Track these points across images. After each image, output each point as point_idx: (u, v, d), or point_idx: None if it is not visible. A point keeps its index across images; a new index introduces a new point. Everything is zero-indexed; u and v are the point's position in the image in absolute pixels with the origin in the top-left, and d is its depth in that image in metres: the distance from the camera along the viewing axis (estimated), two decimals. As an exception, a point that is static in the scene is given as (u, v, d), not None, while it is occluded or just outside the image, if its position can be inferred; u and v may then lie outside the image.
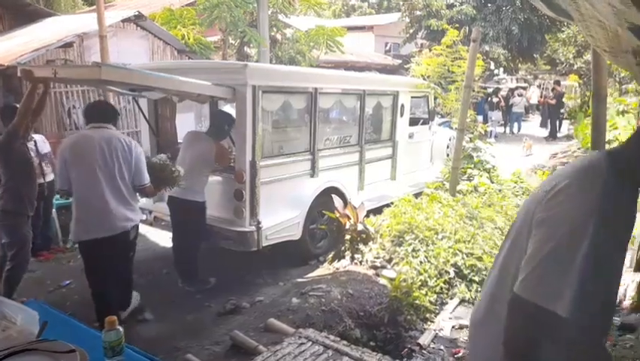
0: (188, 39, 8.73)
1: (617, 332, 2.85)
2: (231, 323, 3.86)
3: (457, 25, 13.90)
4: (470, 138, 7.23)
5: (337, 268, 4.81)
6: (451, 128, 8.31)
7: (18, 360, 1.40)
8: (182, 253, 4.55)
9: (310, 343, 3.06)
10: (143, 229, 5.94)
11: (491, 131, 14.33)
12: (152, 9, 9.77)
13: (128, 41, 7.69)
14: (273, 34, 10.42)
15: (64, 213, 5.92)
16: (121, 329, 1.53)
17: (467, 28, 13.26)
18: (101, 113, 3.50)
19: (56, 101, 6.79)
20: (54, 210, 5.58)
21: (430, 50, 7.85)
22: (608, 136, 9.46)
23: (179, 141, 5.57)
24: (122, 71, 3.71)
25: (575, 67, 18.38)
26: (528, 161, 11.03)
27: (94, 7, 7.88)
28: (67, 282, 4.77)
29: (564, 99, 16.99)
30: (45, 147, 5.08)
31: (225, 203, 4.55)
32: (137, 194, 3.59)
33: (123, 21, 7.51)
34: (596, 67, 3.17)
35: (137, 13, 7.47)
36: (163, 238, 5.69)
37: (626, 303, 3.19)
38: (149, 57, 8.00)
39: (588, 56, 17.57)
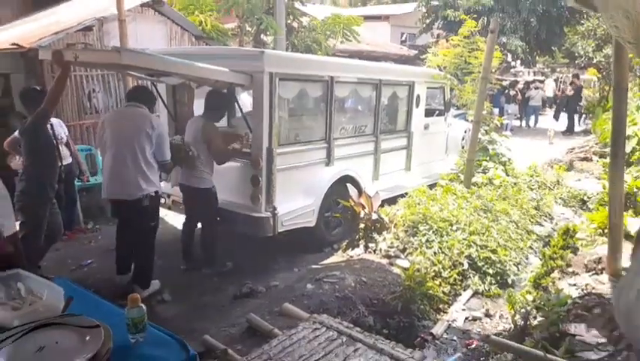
0: (206, 25, 8.73)
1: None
2: (247, 306, 3.93)
3: (474, 15, 13.73)
4: (486, 131, 7.17)
5: (351, 256, 4.84)
6: (467, 120, 8.25)
7: (45, 333, 1.44)
8: (190, 238, 4.68)
9: (324, 328, 3.10)
10: (161, 212, 6.05)
11: (507, 124, 14.17)
12: (169, -5, 9.77)
13: (147, 26, 7.72)
14: (289, 22, 10.37)
15: (84, 196, 6.06)
16: (144, 306, 1.57)
17: (485, 19, 13.09)
18: (136, 96, 4.07)
19: (76, 85, 6.85)
20: (77, 192, 5.69)
21: (447, 41, 7.76)
22: (628, 131, 9.33)
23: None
24: (141, 56, 3.75)
25: (595, 61, 17.98)
26: (545, 154, 10.89)
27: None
28: (89, 261, 4.90)
29: (582, 93, 16.71)
30: (62, 130, 5.15)
31: (242, 189, 4.59)
32: (156, 167, 3.95)
33: (142, 5, 7.52)
34: (618, 59, 3.13)
35: (155, -3, 7.50)
36: (180, 222, 5.77)
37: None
38: (167, 42, 8.02)
39: (608, 50, 17.22)
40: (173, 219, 5.94)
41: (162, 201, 5.20)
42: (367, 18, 15.13)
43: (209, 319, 3.73)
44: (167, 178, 5.43)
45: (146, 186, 3.81)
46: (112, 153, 3.82)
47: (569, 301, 3.36)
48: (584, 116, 16.84)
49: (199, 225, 4.74)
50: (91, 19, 7.06)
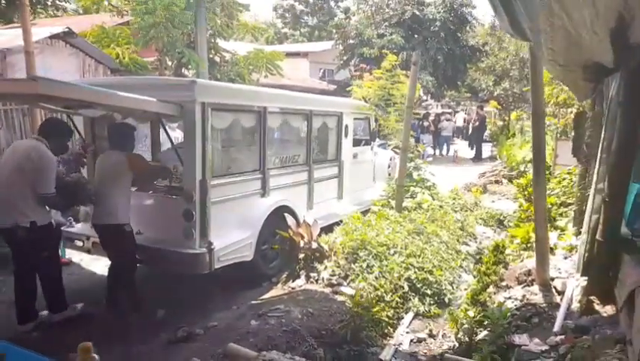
0: (123, 58, 8.36)
1: (573, 334, 3.02)
2: (185, 351, 3.61)
3: (387, 52, 14.66)
4: (410, 158, 7.51)
5: (293, 288, 4.70)
6: (386, 149, 8.62)
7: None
8: (113, 281, 4.26)
9: (276, 365, 2.93)
10: (79, 256, 5.51)
11: (423, 153, 15.04)
12: (82, 27, 9.26)
13: (57, 59, 7.21)
14: (211, 56, 10.29)
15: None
16: (96, 357, 1.36)
17: (405, 53, 13.96)
18: (41, 128, 4.06)
19: (-26, 121, 6.17)
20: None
21: (371, 74, 8.13)
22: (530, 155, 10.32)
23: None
24: (61, 86, 3.45)
25: (495, 94, 19.92)
26: (459, 179, 11.64)
27: (13, 24, 7.33)
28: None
29: (486, 123, 18.31)
30: None
31: (173, 224, 4.31)
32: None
33: (51, 37, 7.04)
34: (535, 88, 3.43)
35: (66, 29, 7.04)
36: (101, 265, 5.28)
37: (575, 306, 3.40)
38: (79, 75, 7.54)
39: (505, 84, 19.18)
40: (92, 263, 5.43)
41: (80, 243, 4.76)
42: (287, 54, 15.47)
43: (144, 370, 3.37)
44: (84, 219, 4.99)
45: (31, 214, 3.75)
46: (2, 183, 3.80)
47: (509, 313, 3.51)
48: (490, 144, 18.36)
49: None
50: (-8, 49, 6.47)
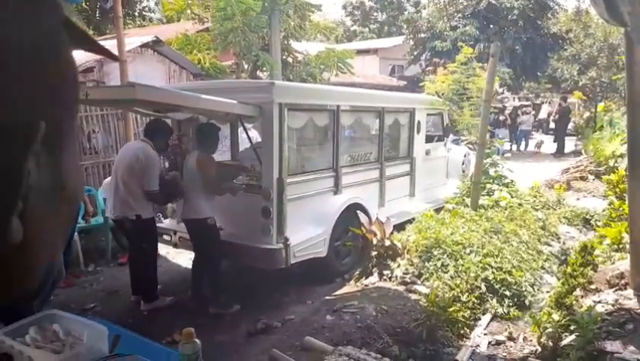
0: (204, 63, 8.87)
1: None
2: (265, 342, 3.78)
3: (461, 45, 14.16)
4: (487, 154, 7.24)
5: (366, 285, 4.74)
6: (459, 145, 8.35)
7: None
8: (198, 273, 4.54)
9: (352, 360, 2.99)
10: (165, 249, 5.93)
11: (499, 149, 14.38)
12: (166, 35, 9.94)
13: (146, 66, 7.81)
14: (284, 57, 10.58)
15: (83, 238, 5.92)
16: (198, 341, 1.49)
17: (481, 45, 13.47)
18: (146, 130, 4.61)
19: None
20: (76, 233, 5.56)
21: (445, 68, 7.93)
22: (622, 150, 9.48)
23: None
24: (155, 91, 3.78)
25: (580, 84, 18.52)
26: (540, 175, 10.99)
27: (106, 35, 8.01)
28: (93, 305, 4.72)
29: (570, 115, 17.08)
30: None
31: (252, 221, 4.52)
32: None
33: (142, 46, 7.65)
34: (630, 73, 3.18)
35: (155, 38, 7.61)
36: (186, 259, 5.66)
37: None
38: (165, 81, 8.11)
39: (592, 73, 17.76)
40: (178, 256, 5.83)
41: (167, 238, 5.12)
42: (357, 52, 15.51)
43: (228, 358, 3.58)
44: (171, 215, 5.37)
45: (137, 207, 4.23)
46: (116, 179, 4.32)
47: (599, 318, 3.30)
48: (575, 137, 17.13)
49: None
50: (91, 60, 7.13)
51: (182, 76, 8.33)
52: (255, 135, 5.57)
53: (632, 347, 2.87)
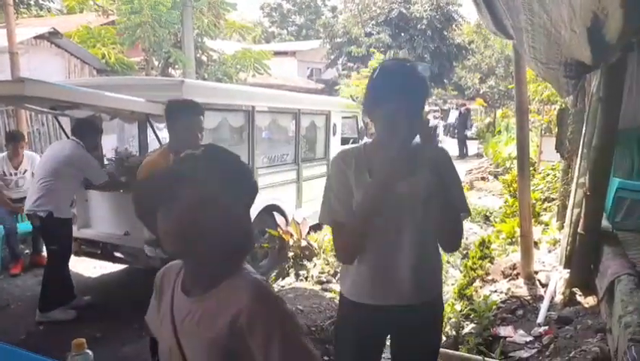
0: (110, 58, 8.30)
1: (556, 325, 3.10)
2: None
3: (374, 51, 14.76)
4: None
5: (283, 286, 4.73)
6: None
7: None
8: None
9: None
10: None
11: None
12: (66, 27, 9.17)
13: (41, 59, 7.14)
14: (198, 55, 10.27)
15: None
16: (90, 352, 1.38)
17: (392, 52, 14.06)
18: (73, 129, 4.35)
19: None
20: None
21: (359, 73, 8.17)
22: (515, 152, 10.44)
23: (105, 162, 5.25)
24: (48, 87, 3.45)
25: (481, 92, 20.14)
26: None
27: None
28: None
29: (470, 120, 18.48)
30: None
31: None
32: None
33: (36, 38, 6.97)
34: (519, 83, 3.51)
35: (52, 29, 6.97)
36: (89, 268, 5.29)
37: (558, 298, 3.48)
38: (64, 76, 7.48)
39: (491, 82, 19.39)
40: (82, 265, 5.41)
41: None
42: (275, 54, 15.48)
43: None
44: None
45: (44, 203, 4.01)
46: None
47: (494, 306, 3.58)
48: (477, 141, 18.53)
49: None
50: (-25, 50, 6.38)
51: (85, 71, 7.74)
52: (167, 135, 5.32)
53: (521, 331, 3.16)
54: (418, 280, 1.62)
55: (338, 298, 4.12)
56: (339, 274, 4.75)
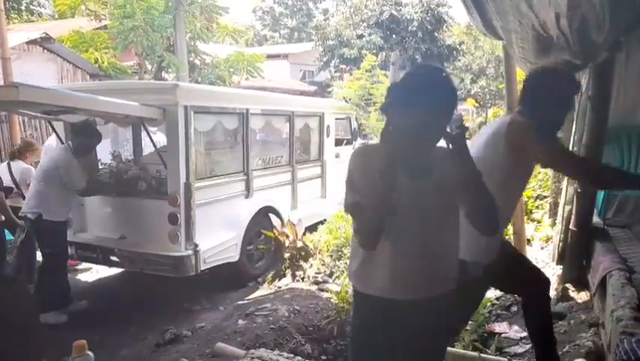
0: (102, 63, 8.29)
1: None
2: (174, 353, 3.63)
3: (366, 53, 14.86)
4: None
5: (279, 287, 4.76)
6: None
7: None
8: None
9: (265, 362, 2.98)
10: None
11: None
12: (58, 32, 9.14)
13: (34, 64, 7.12)
14: (191, 59, 10.27)
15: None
16: (91, 354, 1.40)
17: (384, 54, 14.16)
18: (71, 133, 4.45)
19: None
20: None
21: (351, 74, 8.22)
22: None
23: (99, 166, 5.26)
24: (42, 92, 3.47)
25: (472, 92, 20.27)
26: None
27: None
28: None
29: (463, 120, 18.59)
30: None
31: (157, 228, 4.33)
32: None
33: (28, 43, 6.95)
34: (509, 83, 3.56)
35: (44, 34, 6.96)
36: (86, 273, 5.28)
37: (551, 293, 3.53)
38: (57, 81, 7.46)
39: (482, 82, 19.53)
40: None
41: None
42: (268, 56, 15.52)
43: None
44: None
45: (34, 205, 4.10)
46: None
47: (489, 303, 3.63)
48: (469, 141, 18.66)
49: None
50: (-33, 56, 6.35)
51: (77, 76, 7.72)
52: (161, 139, 5.35)
53: (516, 327, 3.21)
54: (445, 272, 1.66)
55: (334, 297, 4.16)
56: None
